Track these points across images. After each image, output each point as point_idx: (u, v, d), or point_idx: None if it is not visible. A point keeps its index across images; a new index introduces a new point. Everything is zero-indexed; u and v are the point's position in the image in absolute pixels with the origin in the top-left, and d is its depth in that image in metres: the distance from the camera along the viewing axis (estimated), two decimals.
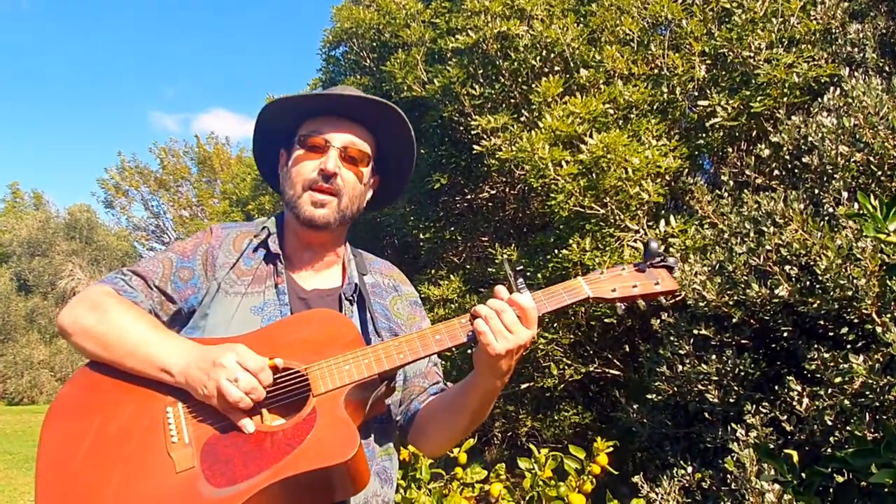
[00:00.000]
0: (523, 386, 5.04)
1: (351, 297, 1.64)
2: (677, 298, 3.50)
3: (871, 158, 3.00)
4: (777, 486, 2.60)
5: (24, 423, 14.26)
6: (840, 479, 2.48)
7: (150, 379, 1.42)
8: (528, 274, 4.26)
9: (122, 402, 1.41)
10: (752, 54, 3.82)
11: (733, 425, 3.04)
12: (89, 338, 1.46)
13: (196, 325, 1.55)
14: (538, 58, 4.65)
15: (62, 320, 1.51)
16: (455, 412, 1.56)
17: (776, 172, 3.67)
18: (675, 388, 3.44)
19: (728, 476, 2.89)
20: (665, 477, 3.41)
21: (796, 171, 3.51)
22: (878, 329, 2.62)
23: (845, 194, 2.96)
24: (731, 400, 3.25)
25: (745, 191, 3.38)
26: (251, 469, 1.29)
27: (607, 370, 4.65)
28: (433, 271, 5.85)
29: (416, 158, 1.76)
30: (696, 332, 3.37)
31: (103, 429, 1.37)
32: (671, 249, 3.59)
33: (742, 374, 3.21)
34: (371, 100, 1.62)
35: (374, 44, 6.41)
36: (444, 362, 4.43)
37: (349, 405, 1.39)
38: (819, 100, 3.39)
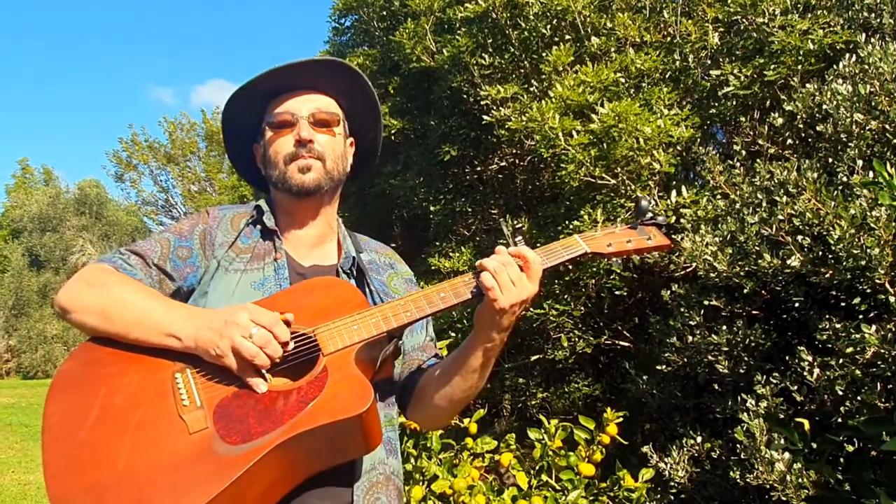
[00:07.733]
0: (533, 358, 5.05)
1: (349, 271, 1.65)
2: (688, 270, 3.48)
3: (887, 126, 2.95)
4: (787, 455, 2.60)
5: (39, 396, 14.47)
6: (851, 447, 2.48)
7: (155, 348, 1.41)
8: (538, 245, 4.24)
9: (126, 372, 1.40)
10: (766, 21, 3.75)
11: (743, 395, 3.04)
12: (90, 312, 1.44)
13: (196, 303, 1.55)
14: (548, 26, 4.58)
15: (60, 299, 1.50)
16: (455, 375, 1.56)
17: (789, 141, 3.62)
18: (685, 359, 3.44)
19: (738, 446, 2.89)
20: (674, 447, 3.43)
21: (810, 139, 3.46)
22: (892, 299, 2.61)
23: (860, 163, 2.92)
24: (742, 370, 3.25)
25: (758, 160, 3.34)
26: (266, 426, 1.29)
27: (617, 342, 4.65)
28: (443, 244, 5.84)
29: (380, 113, 1.76)
30: (706, 302, 3.36)
31: (109, 399, 1.36)
32: (682, 220, 3.56)
33: (752, 344, 3.20)
34: (324, 61, 1.63)
35: (384, 13, 6.33)
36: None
37: (359, 364, 1.40)
38: (834, 67, 3.33)
